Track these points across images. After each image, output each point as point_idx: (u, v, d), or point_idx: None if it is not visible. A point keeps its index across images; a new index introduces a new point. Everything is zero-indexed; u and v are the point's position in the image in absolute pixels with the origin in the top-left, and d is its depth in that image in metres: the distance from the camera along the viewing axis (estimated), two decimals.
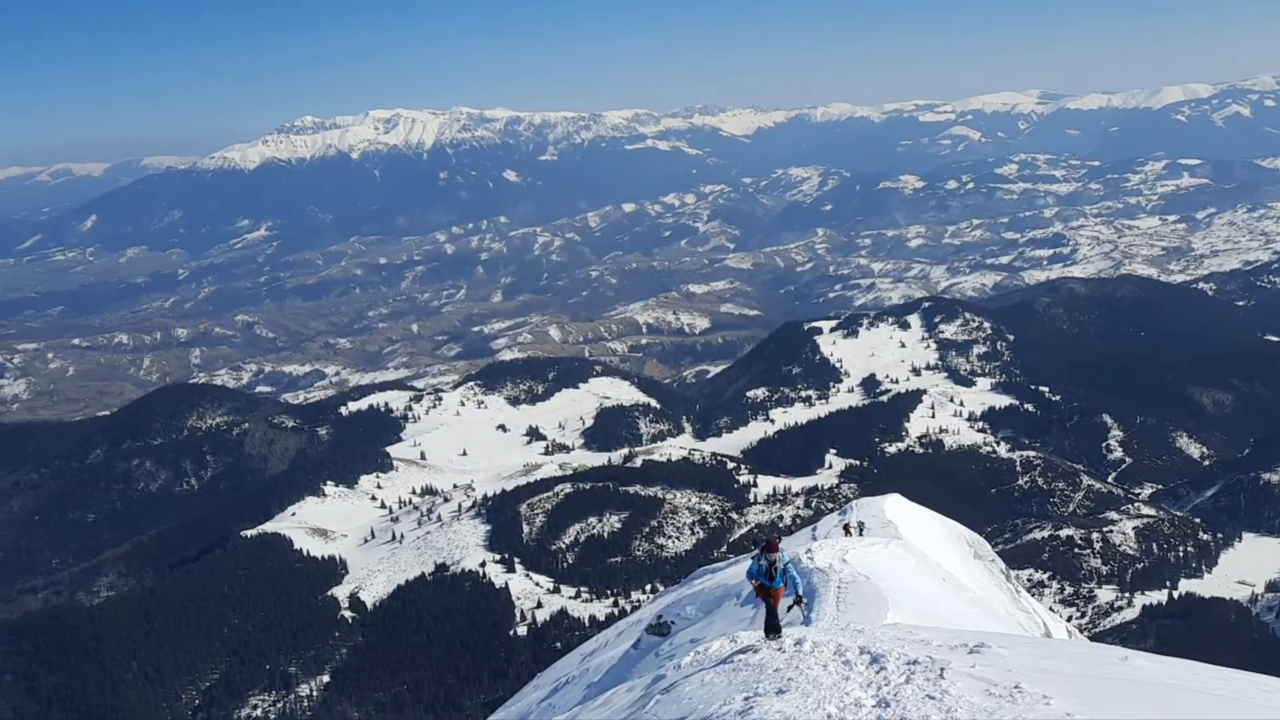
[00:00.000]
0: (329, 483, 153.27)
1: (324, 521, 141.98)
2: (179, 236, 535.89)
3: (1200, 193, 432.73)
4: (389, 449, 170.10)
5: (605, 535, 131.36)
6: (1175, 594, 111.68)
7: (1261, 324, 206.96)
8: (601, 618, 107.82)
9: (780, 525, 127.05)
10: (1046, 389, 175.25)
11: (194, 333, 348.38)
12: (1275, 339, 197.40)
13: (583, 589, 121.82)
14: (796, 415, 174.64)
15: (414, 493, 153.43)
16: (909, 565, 37.32)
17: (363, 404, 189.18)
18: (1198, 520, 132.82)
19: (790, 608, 18.75)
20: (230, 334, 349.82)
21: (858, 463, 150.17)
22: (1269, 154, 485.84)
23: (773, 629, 17.65)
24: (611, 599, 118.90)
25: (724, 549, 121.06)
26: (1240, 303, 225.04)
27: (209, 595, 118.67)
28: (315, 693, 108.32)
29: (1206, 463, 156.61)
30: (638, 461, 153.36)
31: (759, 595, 18.16)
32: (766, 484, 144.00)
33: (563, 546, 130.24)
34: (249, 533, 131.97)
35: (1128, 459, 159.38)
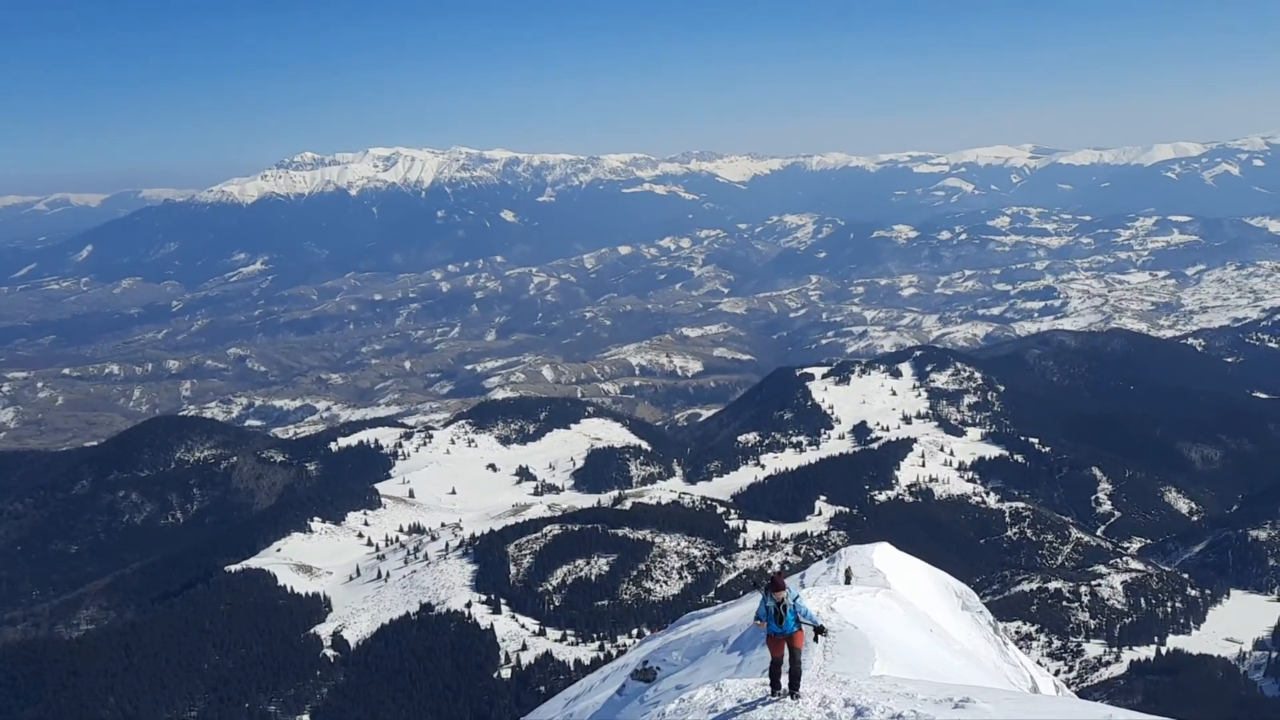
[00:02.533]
0: (316, 519, 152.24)
1: (309, 558, 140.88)
2: (174, 268, 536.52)
3: (1190, 249, 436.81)
4: (378, 486, 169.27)
5: (593, 578, 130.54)
6: (1163, 650, 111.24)
7: (1250, 381, 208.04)
8: (587, 661, 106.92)
9: (770, 569, 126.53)
10: (1036, 440, 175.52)
11: (185, 365, 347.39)
12: (1264, 396, 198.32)
13: (569, 632, 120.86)
14: (787, 461, 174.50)
15: (401, 531, 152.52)
16: (897, 615, 37.25)
17: (353, 440, 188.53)
18: (1186, 576, 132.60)
19: (816, 639, 18.05)
20: (222, 367, 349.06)
21: (847, 510, 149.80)
22: (1258, 213, 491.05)
23: (777, 684, 16.99)
24: (597, 643, 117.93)
25: (712, 594, 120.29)
26: (1229, 359, 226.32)
27: (190, 630, 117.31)
28: None
29: (1195, 518, 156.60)
30: (627, 504, 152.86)
31: (769, 646, 17.14)
32: (756, 529, 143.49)
33: (550, 588, 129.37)
34: (233, 568, 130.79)
35: (1116, 512, 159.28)
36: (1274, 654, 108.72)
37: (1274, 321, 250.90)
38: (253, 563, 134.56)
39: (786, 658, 16.73)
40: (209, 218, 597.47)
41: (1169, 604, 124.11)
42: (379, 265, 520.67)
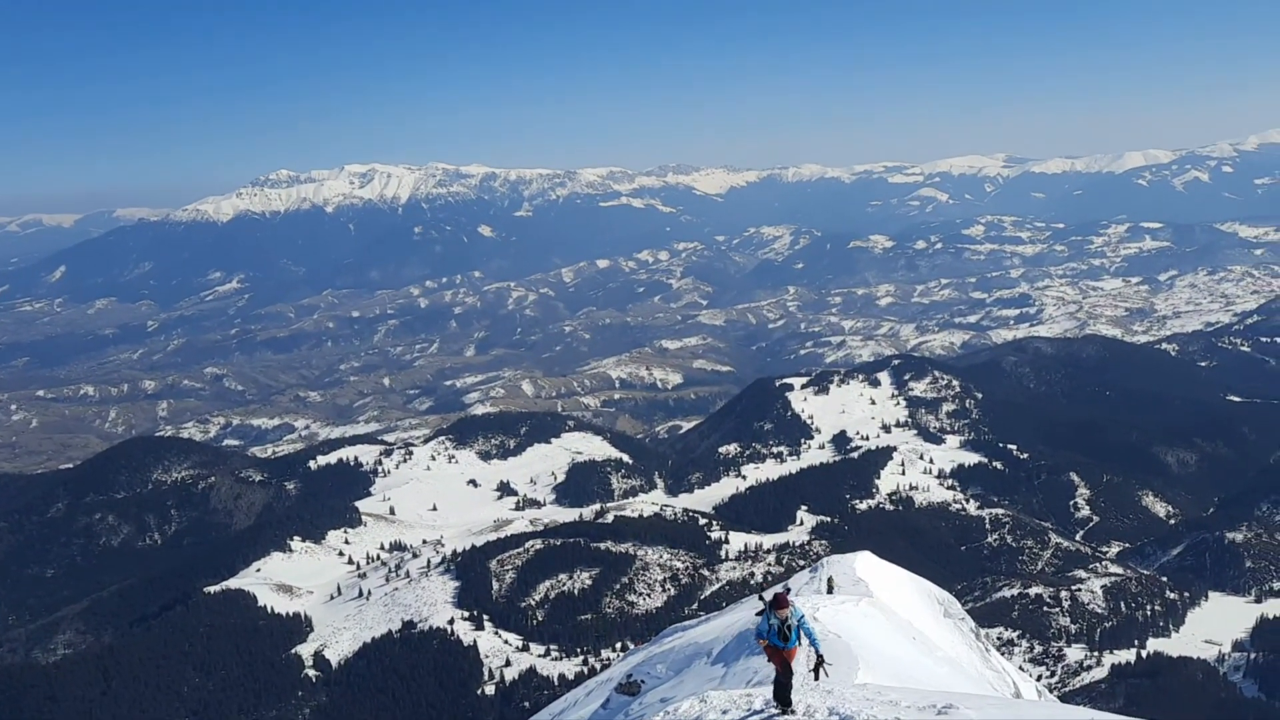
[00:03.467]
0: (296, 538, 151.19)
1: (290, 578, 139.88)
2: (149, 288, 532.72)
3: (1162, 255, 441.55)
4: (358, 504, 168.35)
5: (576, 592, 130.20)
6: (1144, 653, 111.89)
7: (1224, 384, 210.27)
8: (571, 676, 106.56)
9: (752, 582, 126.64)
10: (1014, 447, 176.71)
11: (161, 385, 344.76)
12: (1237, 399, 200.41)
13: (552, 647, 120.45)
14: (768, 471, 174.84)
15: (382, 548, 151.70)
16: (879, 624, 37.45)
17: (332, 458, 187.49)
18: (1165, 579, 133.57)
19: (814, 669, 17.77)
20: (199, 386, 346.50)
21: (829, 519, 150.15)
22: (1227, 218, 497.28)
23: (783, 698, 16.88)
24: (581, 657, 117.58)
25: (695, 606, 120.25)
26: (1202, 363, 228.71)
27: (169, 653, 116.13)
28: None
29: (1172, 521, 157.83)
30: (609, 517, 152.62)
31: (770, 659, 17.15)
32: (738, 540, 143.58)
33: (532, 603, 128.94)
34: (212, 589, 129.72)
35: (1095, 517, 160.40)
36: (1253, 655, 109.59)
37: (1246, 325, 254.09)
38: (232, 583, 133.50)
39: (785, 669, 16.84)
40: (184, 237, 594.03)
41: (1148, 607, 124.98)
42: (356, 282, 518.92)
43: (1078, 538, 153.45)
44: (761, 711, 17.05)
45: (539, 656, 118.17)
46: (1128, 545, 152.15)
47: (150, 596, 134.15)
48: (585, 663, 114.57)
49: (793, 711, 16.45)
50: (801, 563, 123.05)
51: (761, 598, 20.92)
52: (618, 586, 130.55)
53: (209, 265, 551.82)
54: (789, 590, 20.18)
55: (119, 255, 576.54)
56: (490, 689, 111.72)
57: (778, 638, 16.53)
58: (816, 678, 17.60)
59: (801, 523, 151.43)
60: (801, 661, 17.43)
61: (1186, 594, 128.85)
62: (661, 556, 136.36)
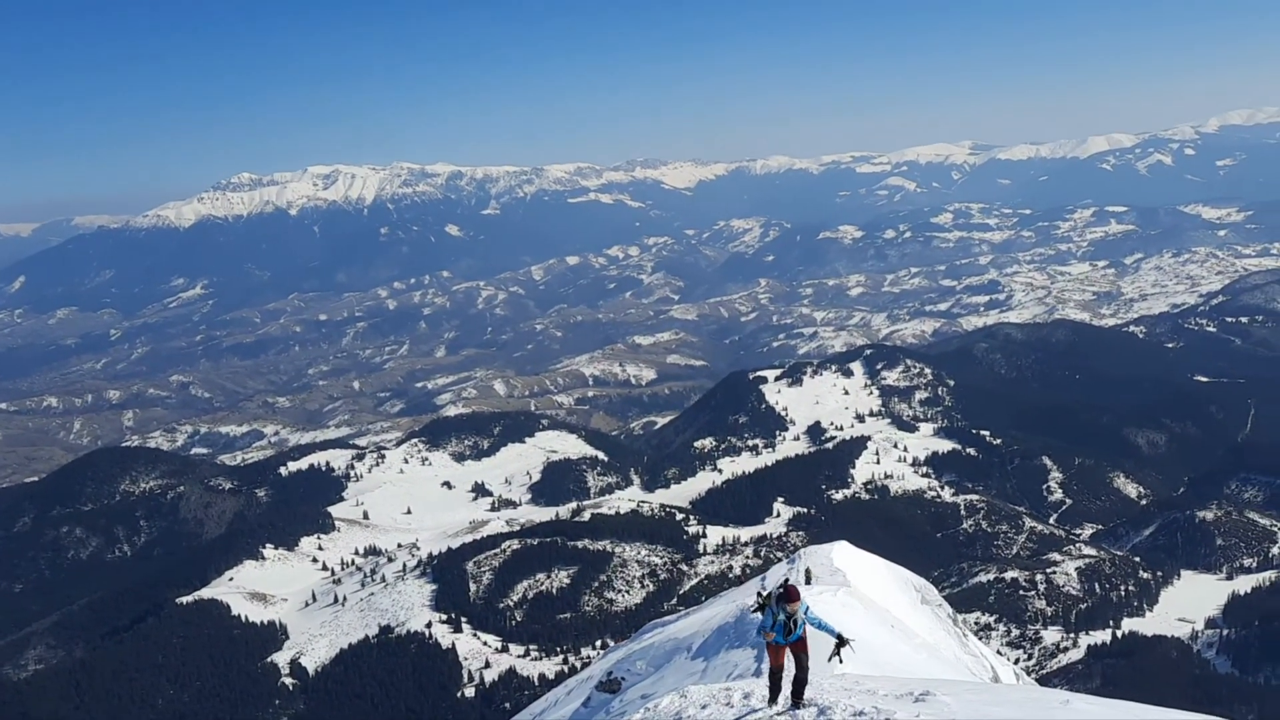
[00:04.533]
0: (268, 545, 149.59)
1: (263, 586, 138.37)
2: (111, 296, 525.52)
3: (1127, 239, 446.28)
4: (330, 509, 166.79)
5: (554, 591, 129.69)
6: (1119, 633, 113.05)
7: (1191, 365, 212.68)
8: (551, 676, 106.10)
9: (730, 575, 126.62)
10: (987, 433, 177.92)
11: (126, 394, 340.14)
12: (1204, 379, 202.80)
13: (531, 647, 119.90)
14: (744, 464, 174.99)
15: (357, 553, 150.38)
16: (857, 613, 37.25)
17: (303, 464, 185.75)
18: (1137, 559, 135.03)
19: (832, 657, 16.43)
20: (164, 395, 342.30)
21: (805, 510, 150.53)
22: (1191, 200, 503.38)
23: (777, 692, 16.13)
24: (561, 656, 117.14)
25: (674, 601, 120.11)
26: (1170, 345, 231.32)
27: (143, 665, 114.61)
28: None
29: (1144, 502, 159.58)
30: (586, 515, 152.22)
31: (770, 656, 16.27)
32: (716, 534, 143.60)
33: (511, 604, 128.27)
34: (184, 599, 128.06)
35: (1068, 500, 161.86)
36: (1225, 631, 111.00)
37: (1211, 306, 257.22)
38: (205, 593, 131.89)
39: (790, 665, 16.00)
40: (145, 243, 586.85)
41: (1122, 588, 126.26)
42: (323, 285, 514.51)
43: (1051, 521, 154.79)
44: (735, 705, 16.63)
45: (519, 657, 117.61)
46: (1101, 527, 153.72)
47: (121, 609, 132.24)
48: (565, 662, 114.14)
49: (800, 705, 15.69)
50: (779, 555, 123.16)
51: (761, 591, 20.11)
52: (596, 584, 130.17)
53: (171, 272, 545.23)
54: (809, 574, 17.32)
55: (79, 264, 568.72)
56: (470, 691, 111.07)
57: (782, 631, 15.72)
58: (842, 660, 16.23)
59: (778, 515, 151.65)
60: (812, 652, 16.49)
61: (1159, 573, 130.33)
62: (639, 553, 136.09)
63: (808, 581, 45.69)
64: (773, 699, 16.17)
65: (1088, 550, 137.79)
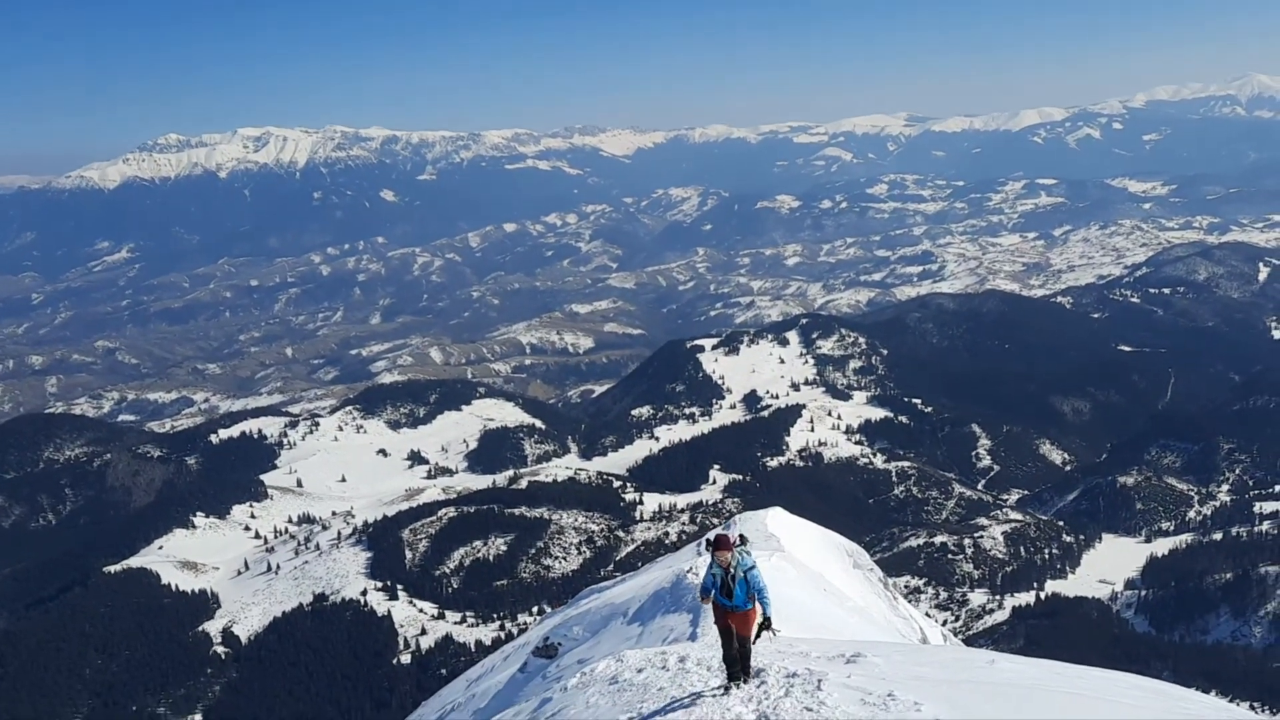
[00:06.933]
0: (199, 514, 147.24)
1: (194, 554, 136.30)
2: (32, 259, 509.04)
3: (1056, 211, 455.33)
4: (263, 477, 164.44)
5: (491, 558, 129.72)
6: (1042, 595, 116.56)
7: (1115, 335, 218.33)
8: (488, 642, 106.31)
9: (666, 542, 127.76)
10: (919, 401, 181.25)
11: (50, 360, 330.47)
12: (1128, 349, 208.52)
13: (468, 614, 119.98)
14: (681, 432, 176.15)
15: (290, 522, 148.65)
16: (791, 577, 37.95)
17: (234, 431, 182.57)
18: (1061, 523, 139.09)
19: (758, 635, 13.96)
20: (89, 361, 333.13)
21: (741, 478, 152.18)
22: (1118, 174, 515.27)
23: (733, 669, 13.93)
24: (498, 623, 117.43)
25: (611, 568, 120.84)
26: (1095, 315, 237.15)
27: (69, 635, 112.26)
28: None
29: (1068, 468, 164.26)
30: (523, 483, 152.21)
31: (716, 623, 14.16)
32: (652, 501, 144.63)
33: (447, 571, 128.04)
34: (112, 569, 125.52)
35: (995, 466, 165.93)
36: (1143, 592, 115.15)
37: (1135, 278, 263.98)
38: (133, 562, 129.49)
39: (726, 636, 13.93)
40: (68, 205, 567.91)
41: (1046, 551, 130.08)
42: (254, 250, 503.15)
43: (980, 487, 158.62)
44: (670, 669, 16.80)
45: (455, 624, 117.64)
46: (1027, 492, 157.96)
47: (46, 579, 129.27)
48: (502, 628, 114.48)
49: (745, 681, 13.65)
50: (715, 521, 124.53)
51: (709, 541, 17.72)
52: (533, 551, 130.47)
53: (96, 234, 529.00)
54: (743, 538, 14.46)
55: None
56: (406, 658, 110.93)
57: (722, 593, 13.59)
58: (757, 638, 13.92)
59: (714, 482, 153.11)
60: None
61: (1082, 537, 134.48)
62: (576, 520, 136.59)
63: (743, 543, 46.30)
64: (732, 676, 13.97)
65: (1014, 515, 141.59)
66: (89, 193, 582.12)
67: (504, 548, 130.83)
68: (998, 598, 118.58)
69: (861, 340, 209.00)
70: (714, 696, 13.67)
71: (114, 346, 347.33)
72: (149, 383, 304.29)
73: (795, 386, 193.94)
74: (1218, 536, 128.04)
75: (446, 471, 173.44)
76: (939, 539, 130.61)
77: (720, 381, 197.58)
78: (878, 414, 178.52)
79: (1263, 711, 73.62)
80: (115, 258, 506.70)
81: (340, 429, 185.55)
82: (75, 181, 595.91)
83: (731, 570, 13.50)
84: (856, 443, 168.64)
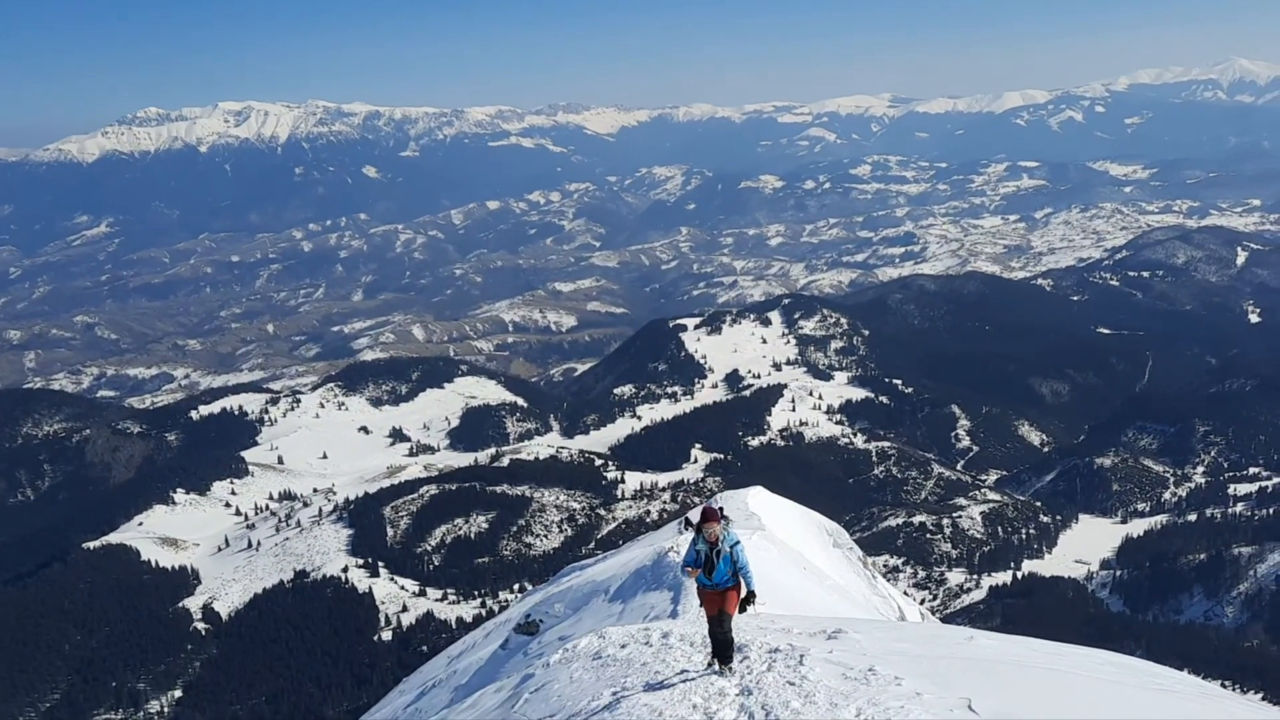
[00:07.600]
0: (179, 490, 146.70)
1: (174, 531, 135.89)
2: (10, 233, 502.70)
3: (1038, 193, 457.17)
4: (244, 454, 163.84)
5: (472, 536, 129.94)
6: (1019, 574, 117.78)
7: (1094, 317, 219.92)
8: (469, 619, 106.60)
9: (648, 520, 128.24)
10: (899, 382, 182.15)
11: (28, 335, 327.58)
12: (1106, 331, 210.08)
13: (449, 591, 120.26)
14: (663, 411, 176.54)
15: (271, 498, 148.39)
16: (772, 556, 38.23)
17: (215, 407, 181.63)
18: (1039, 504, 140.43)
19: (743, 609, 13.45)
20: (69, 336, 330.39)
21: (722, 457, 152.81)
22: (1100, 157, 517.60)
23: (722, 655, 13.41)
24: (479, 600, 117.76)
25: (592, 545, 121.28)
26: (1075, 297, 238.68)
27: (48, 611, 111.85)
28: (166, 709, 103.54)
29: (1046, 449, 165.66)
30: (505, 461, 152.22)
31: (701, 602, 13.67)
32: (634, 480, 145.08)
33: (429, 548, 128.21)
34: (92, 545, 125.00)
35: (975, 447, 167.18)
36: (1118, 572, 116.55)
37: (1115, 261, 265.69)
38: (113, 538, 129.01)
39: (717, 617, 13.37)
40: (46, 178, 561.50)
41: (1023, 531, 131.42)
42: (235, 225, 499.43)
43: (959, 467, 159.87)
44: (654, 645, 16.94)
45: (436, 601, 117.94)
46: (1005, 473, 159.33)
47: (25, 554, 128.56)
48: (483, 605, 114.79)
49: (727, 669, 13.18)
50: (696, 500, 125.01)
51: (689, 520, 16.01)
52: (515, 529, 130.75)
53: (75, 208, 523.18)
54: (725, 516, 13.72)
55: None
56: (387, 635, 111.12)
57: (706, 571, 13.08)
58: (742, 610, 13.41)
59: (696, 461, 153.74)
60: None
61: (1058, 517, 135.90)
62: (558, 498, 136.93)
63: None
64: (719, 661, 13.52)
65: (992, 495, 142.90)
66: (67, 166, 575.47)
67: (485, 525, 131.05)
68: (975, 577, 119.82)
69: (843, 321, 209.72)
70: (698, 672, 13.82)
71: (93, 322, 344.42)
72: (129, 358, 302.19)
73: (777, 366, 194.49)
74: (1192, 518, 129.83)
75: (428, 449, 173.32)
76: (918, 519, 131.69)
77: (702, 361, 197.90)
78: (859, 394, 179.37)
79: (1233, 690, 74.80)
80: (94, 232, 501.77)
81: (322, 406, 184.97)
82: (53, 154, 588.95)
83: (719, 545, 13.04)
84: (837, 423, 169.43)
